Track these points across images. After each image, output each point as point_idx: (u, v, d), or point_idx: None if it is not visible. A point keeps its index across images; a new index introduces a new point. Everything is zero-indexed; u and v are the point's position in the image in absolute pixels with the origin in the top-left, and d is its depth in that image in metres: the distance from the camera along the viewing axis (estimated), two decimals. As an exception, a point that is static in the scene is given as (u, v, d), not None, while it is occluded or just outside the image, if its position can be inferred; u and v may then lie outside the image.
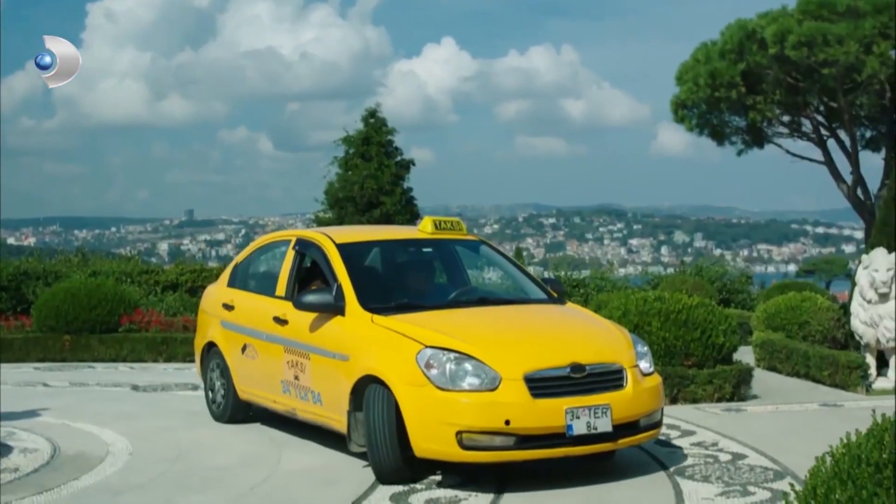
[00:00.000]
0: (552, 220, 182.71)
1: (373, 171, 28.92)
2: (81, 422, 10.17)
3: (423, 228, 9.26)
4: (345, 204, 29.27)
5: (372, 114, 29.85)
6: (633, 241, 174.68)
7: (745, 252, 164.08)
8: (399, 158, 29.88)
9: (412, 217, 29.64)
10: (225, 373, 9.82)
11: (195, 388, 12.19)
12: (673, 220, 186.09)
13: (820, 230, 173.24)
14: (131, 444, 9.07)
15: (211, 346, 10.08)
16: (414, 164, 30.33)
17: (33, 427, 9.88)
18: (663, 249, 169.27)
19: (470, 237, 9.61)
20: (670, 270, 28.05)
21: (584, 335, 7.97)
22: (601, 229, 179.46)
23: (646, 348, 8.07)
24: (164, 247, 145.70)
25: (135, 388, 12.61)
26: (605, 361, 7.56)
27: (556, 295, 8.94)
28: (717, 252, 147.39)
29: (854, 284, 12.64)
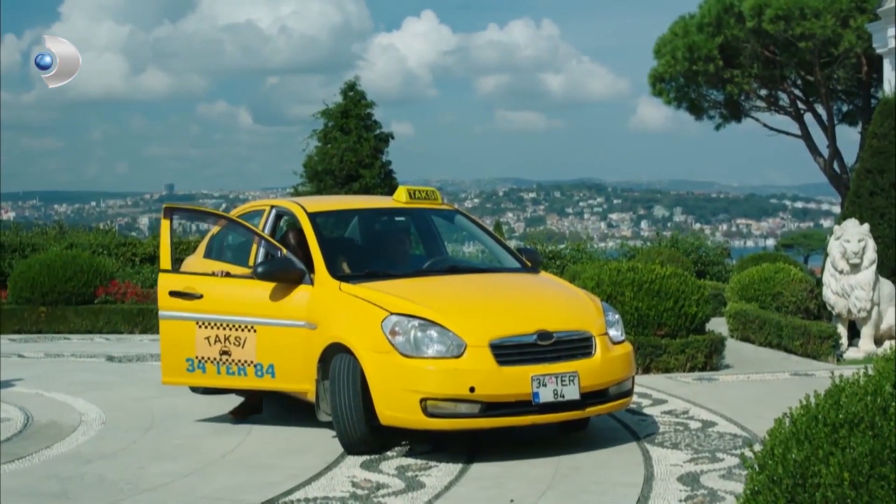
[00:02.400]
0: (532, 195, 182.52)
1: (352, 144, 28.86)
2: (55, 392, 10.20)
3: (398, 198, 9.24)
4: (324, 177, 29.22)
5: (351, 87, 29.76)
6: (613, 216, 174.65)
7: (725, 226, 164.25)
8: (378, 132, 29.81)
9: (391, 190, 29.47)
10: None
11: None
12: (653, 195, 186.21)
13: (798, 205, 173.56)
14: (104, 414, 9.11)
15: None
16: (393, 138, 30.27)
17: (6, 397, 9.91)
18: (643, 224, 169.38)
19: (445, 207, 9.55)
20: (650, 244, 28.18)
21: (553, 303, 7.98)
22: (581, 203, 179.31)
23: (616, 316, 8.07)
24: (144, 221, 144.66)
25: (110, 358, 12.62)
26: (574, 329, 7.57)
27: (530, 264, 8.94)
28: (697, 226, 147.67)
29: (827, 255, 12.73)
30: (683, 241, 22.91)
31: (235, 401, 9.54)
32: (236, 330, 8.22)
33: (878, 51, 19.36)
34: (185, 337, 8.39)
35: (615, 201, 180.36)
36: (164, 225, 8.77)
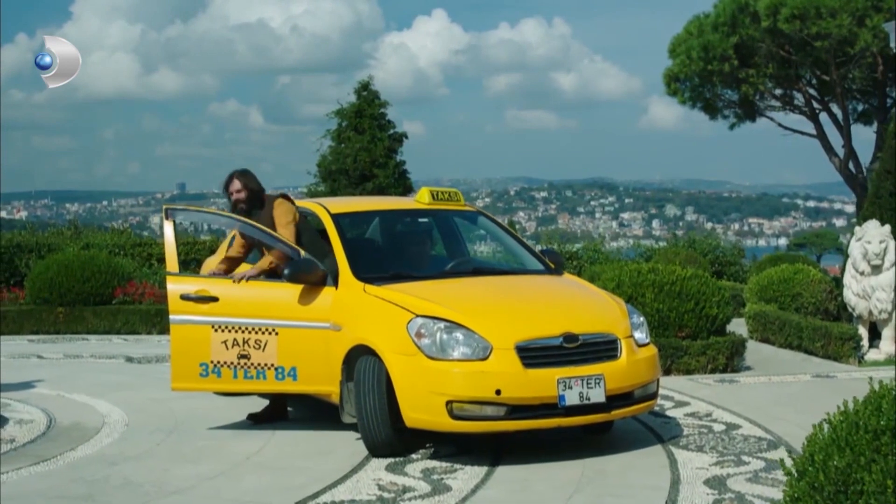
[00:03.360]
0: (544, 194, 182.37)
1: (366, 144, 28.85)
2: (76, 393, 10.21)
3: (420, 199, 9.19)
4: (337, 177, 29.21)
5: (365, 86, 29.74)
6: (625, 215, 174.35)
7: (737, 225, 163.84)
8: (392, 131, 29.79)
9: (405, 190, 29.59)
10: None
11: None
12: (664, 194, 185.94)
13: (811, 204, 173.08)
14: (127, 416, 9.10)
15: None
16: (407, 138, 30.24)
17: (28, 398, 9.91)
18: (655, 223, 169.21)
19: (468, 208, 9.48)
20: (662, 244, 28.10)
21: (578, 305, 7.96)
22: (592, 203, 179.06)
23: (641, 319, 8.06)
24: (156, 220, 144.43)
25: (129, 359, 12.62)
26: (599, 331, 7.57)
27: (553, 266, 8.92)
28: (709, 225, 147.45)
29: (847, 256, 12.68)
30: (701, 242, 22.84)
31: (256, 402, 9.54)
32: (257, 333, 8.10)
33: (896, 50, 19.23)
34: (199, 341, 8.18)
35: (627, 200, 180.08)
36: (167, 227, 8.60)
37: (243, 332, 8.12)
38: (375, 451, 7.49)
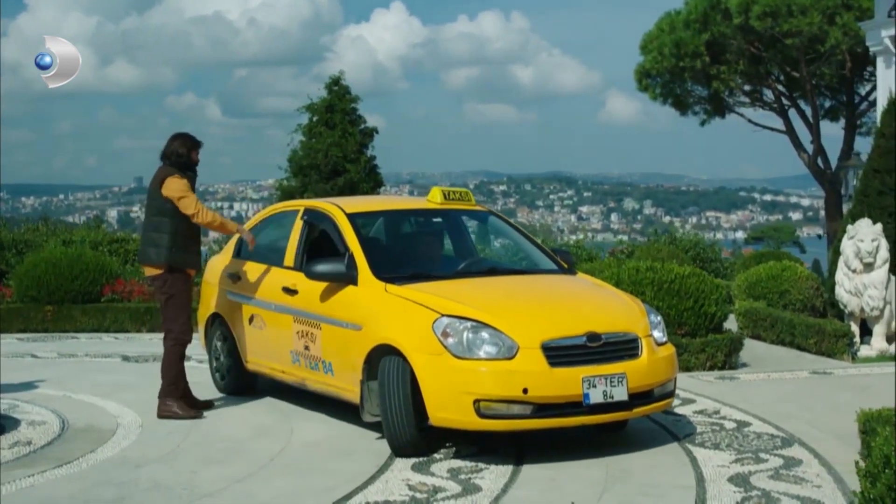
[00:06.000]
0: (503, 188, 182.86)
1: (337, 139, 28.78)
2: (82, 394, 10.13)
3: (432, 199, 9.25)
4: (308, 171, 29.12)
5: (336, 81, 29.66)
6: (584, 209, 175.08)
7: (694, 219, 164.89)
8: (363, 126, 29.75)
9: (376, 185, 29.59)
10: (230, 344, 9.78)
11: (187, 358, 12.11)
12: (623, 188, 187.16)
13: (767, 198, 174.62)
14: (139, 417, 9.03)
15: (216, 318, 10.00)
16: (378, 132, 30.21)
17: (35, 399, 9.83)
18: (613, 216, 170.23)
19: (479, 208, 9.58)
20: (621, 237, 28.26)
21: (599, 305, 8.05)
22: (552, 196, 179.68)
23: (659, 318, 8.15)
24: (113, 214, 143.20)
25: (125, 358, 12.54)
26: (621, 331, 7.65)
27: (566, 265, 9.00)
28: (667, 219, 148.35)
29: (838, 254, 12.86)
30: (682, 239, 22.99)
31: (267, 402, 9.56)
32: (311, 326, 8.53)
33: (872, 49, 19.52)
34: (287, 331, 8.85)
35: (585, 194, 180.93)
36: (297, 225, 9.23)
37: (306, 324, 8.62)
38: (399, 451, 7.53)
